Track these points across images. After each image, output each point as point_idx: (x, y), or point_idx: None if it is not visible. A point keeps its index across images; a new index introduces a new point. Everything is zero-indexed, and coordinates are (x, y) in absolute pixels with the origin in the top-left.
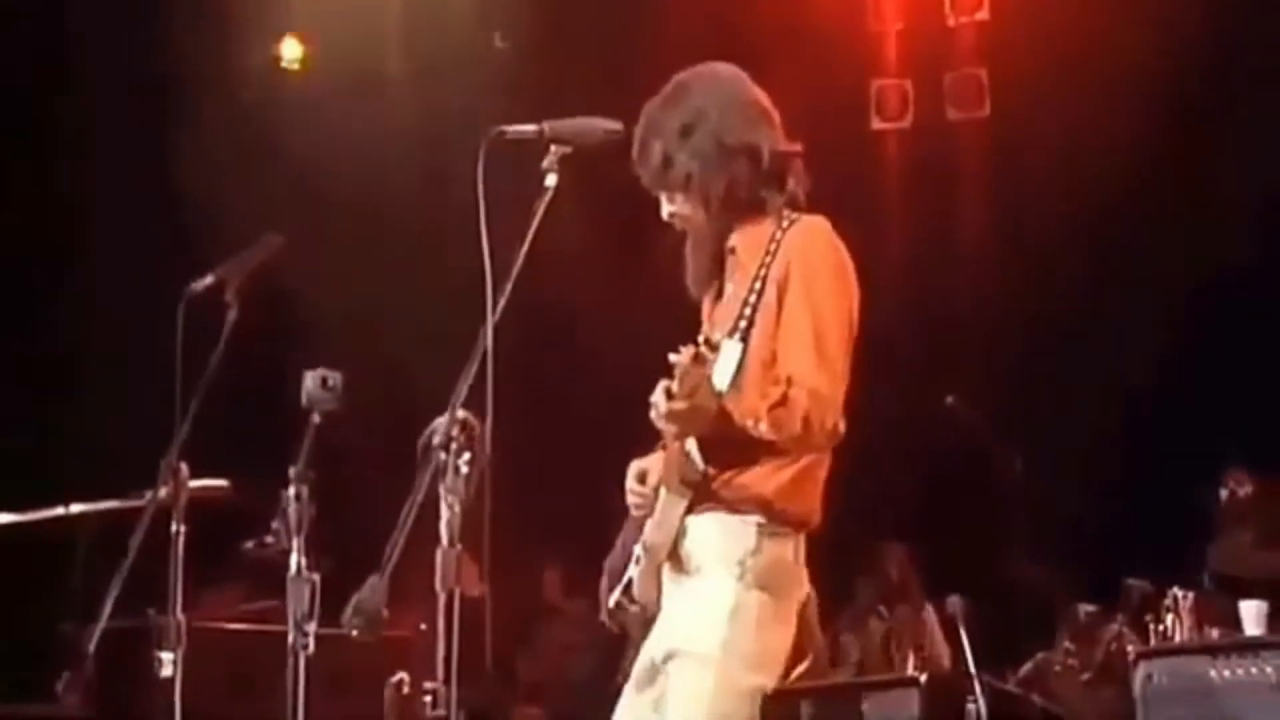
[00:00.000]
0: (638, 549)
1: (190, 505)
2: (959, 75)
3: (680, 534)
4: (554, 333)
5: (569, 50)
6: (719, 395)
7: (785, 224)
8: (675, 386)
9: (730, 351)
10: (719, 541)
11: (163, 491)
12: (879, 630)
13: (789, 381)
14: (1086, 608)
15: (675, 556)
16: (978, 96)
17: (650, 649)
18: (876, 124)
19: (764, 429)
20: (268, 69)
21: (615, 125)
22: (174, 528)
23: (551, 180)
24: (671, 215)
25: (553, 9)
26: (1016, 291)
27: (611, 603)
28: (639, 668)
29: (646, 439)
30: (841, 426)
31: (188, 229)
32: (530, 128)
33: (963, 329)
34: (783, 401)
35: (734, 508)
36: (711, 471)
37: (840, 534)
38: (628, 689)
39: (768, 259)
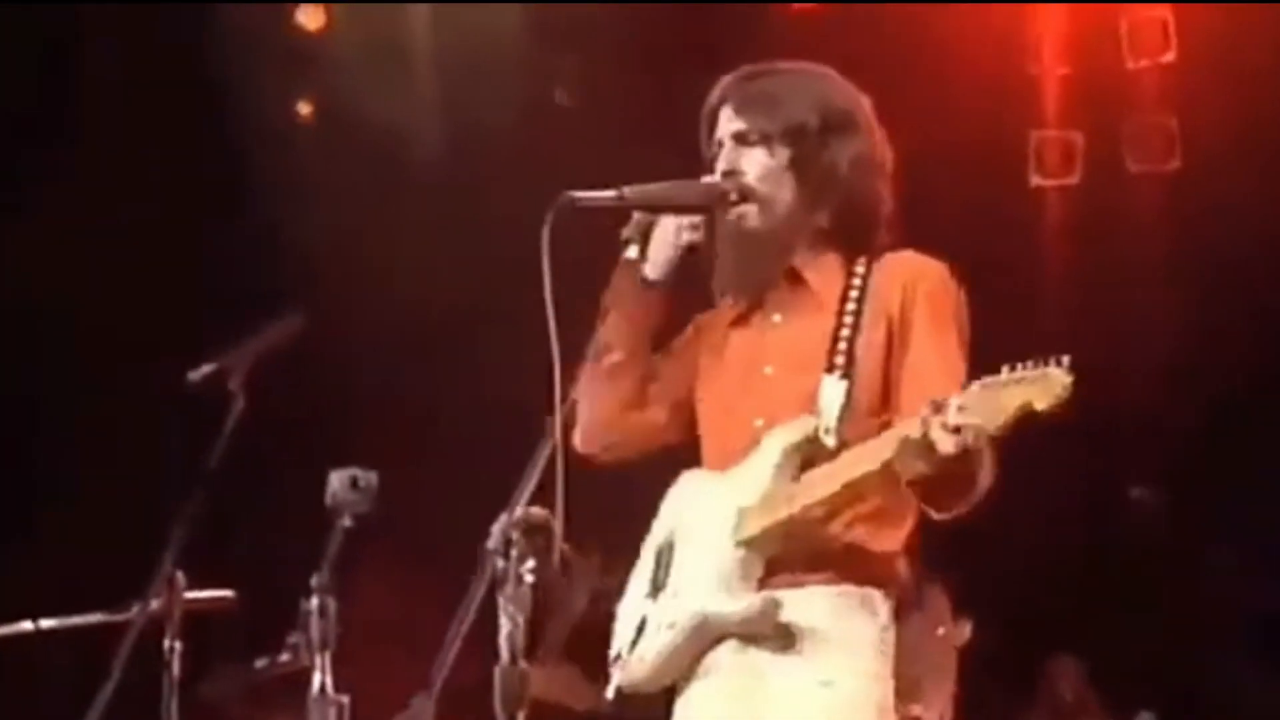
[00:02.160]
0: (661, 614)
1: (188, 619)
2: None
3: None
4: None
5: (646, 108)
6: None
7: (864, 259)
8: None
9: (833, 389)
10: (839, 618)
11: (154, 603)
12: None
13: None
14: None
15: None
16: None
17: None
18: (1036, 180)
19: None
20: (285, 135)
21: (721, 183)
22: (167, 644)
23: (633, 253)
24: (734, 173)
25: (630, 58)
26: (1202, 366)
27: (611, 692)
28: None
29: None
30: None
31: (191, 309)
32: (609, 194)
33: (1144, 409)
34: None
35: (855, 577)
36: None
37: (1002, 649)
38: None
39: (853, 293)
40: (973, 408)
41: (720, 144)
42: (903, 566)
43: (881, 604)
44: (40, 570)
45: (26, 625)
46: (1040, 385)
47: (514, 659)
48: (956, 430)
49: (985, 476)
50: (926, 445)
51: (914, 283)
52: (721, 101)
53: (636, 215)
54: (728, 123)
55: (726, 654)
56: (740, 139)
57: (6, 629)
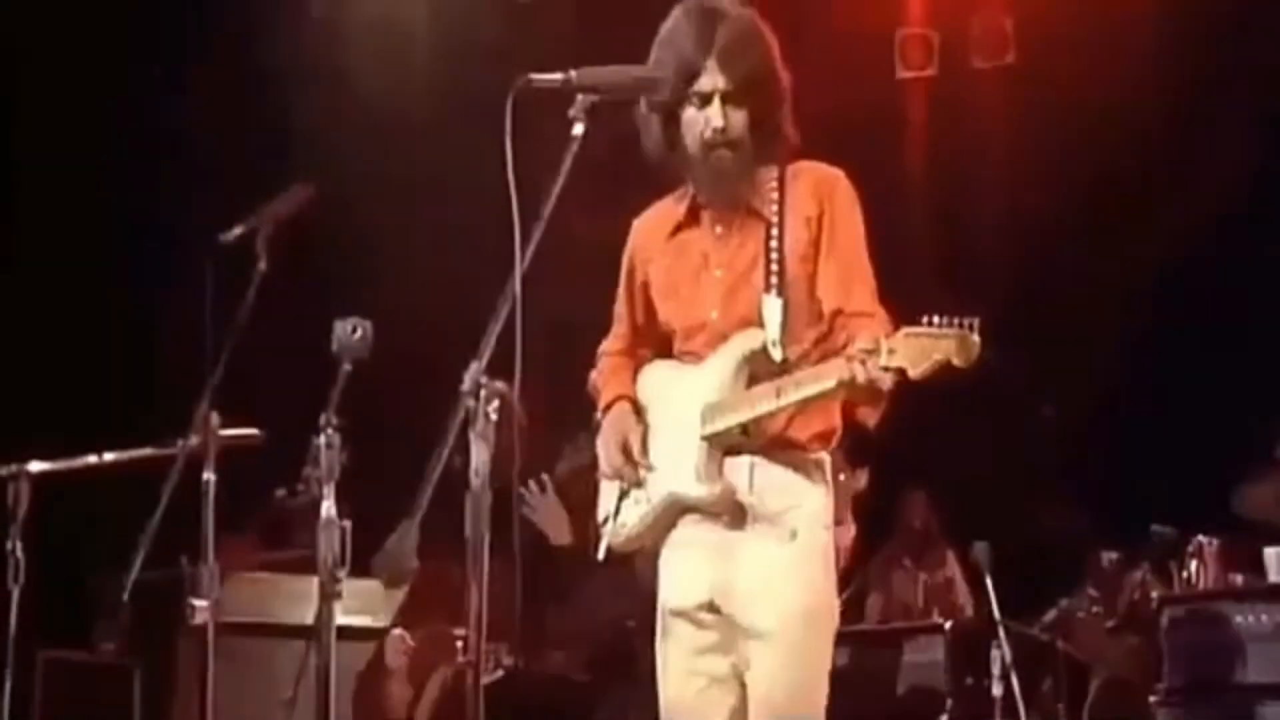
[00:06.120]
0: (645, 489)
1: (221, 453)
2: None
3: (727, 484)
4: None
5: (598, 5)
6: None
7: (776, 173)
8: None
9: (772, 306)
10: (794, 489)
11: (194, 440)
12: (903, 582)
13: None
14: (1110, 554)
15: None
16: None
17: (709, 600)
18: (902, 73)
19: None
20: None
21: (648, 72)
22: (205, 476)
23: (579, 129)
24: (726, 130)
25: None
26: (1047, 237)
27: (602, 553)
28: (696, 636)
29: None
30: None
31: (216, 177)
32: (557, 76)
33: (990, 274)
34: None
35: (804, 446)
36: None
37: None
38: (681, 651)
39: (774, 202)
40: (900, 352)
41: (704, 96)
42: (838, 437)
43: (825, 467)
44: (101, 410)
45: (91, 459)
46: (959, 343)
47: (482, 486)
48: (887, 369)
49: None
50: (868, 383)
51: (826, 194)
52: (702, 46)
53: (580, 96)
54: (713, 76)
55: (703, 521)
56: (727, 99)
57: (75, 461)
